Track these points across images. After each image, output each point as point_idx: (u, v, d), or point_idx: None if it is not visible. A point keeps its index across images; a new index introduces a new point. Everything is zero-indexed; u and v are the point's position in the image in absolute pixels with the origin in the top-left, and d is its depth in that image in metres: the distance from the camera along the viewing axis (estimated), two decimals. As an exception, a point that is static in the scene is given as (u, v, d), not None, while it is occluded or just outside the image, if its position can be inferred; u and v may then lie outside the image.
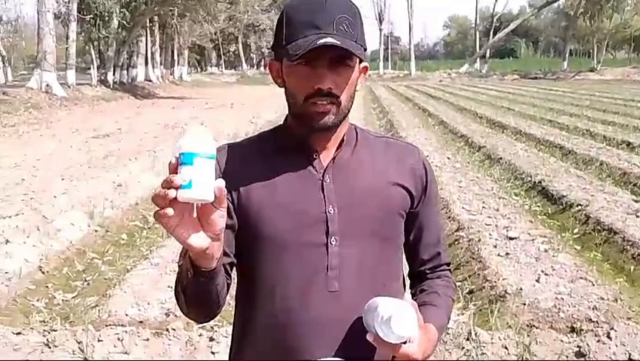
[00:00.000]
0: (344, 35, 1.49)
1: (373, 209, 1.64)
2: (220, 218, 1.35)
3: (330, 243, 1.59)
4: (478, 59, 71.12)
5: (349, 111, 1.62)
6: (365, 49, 1.58)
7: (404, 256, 1.80)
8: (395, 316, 1.38)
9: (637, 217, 7.24)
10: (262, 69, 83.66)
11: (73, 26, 29.13)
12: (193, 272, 1.44)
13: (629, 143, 13.24)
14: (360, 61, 1.61)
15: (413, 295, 1.79)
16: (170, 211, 1.29)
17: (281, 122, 1.74)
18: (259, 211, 1.61)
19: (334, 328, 1.58)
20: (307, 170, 1.63)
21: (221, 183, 1.33)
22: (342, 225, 1.60)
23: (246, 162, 1.67)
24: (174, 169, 1.30)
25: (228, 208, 1.52)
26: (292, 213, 1.60)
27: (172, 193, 1.28)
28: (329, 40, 1.46)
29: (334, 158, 1.64)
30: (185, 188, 1.28)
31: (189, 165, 1.28)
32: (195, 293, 1.52)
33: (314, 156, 1.64)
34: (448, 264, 1.87)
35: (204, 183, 1.30)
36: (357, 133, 1.73)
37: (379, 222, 1.64)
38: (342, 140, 1.66)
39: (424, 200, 1.75)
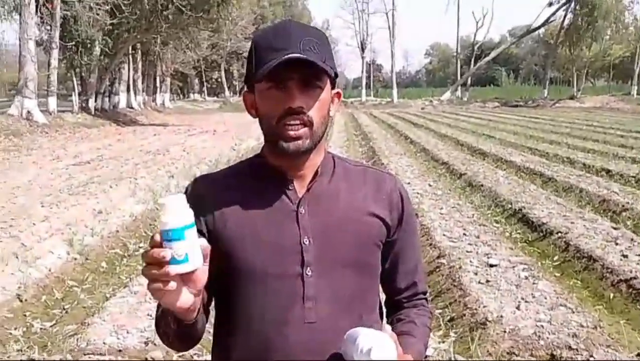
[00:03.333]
0: (310, 55, 1.51)
1: (349, 240, 1.64)
2: (203, 274, 1.39)
3: (306, 274, 1.59)
4: (459, 87, 71.70)
5: (322, 136, 1.62)
6: (335, 73, 1.60)
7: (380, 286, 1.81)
8: (375, 348, 1.37)
9: (617, 244, 7.28)
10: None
11: (55, 53, 29.05)
12: (177, 325, 1.49)
13: (608, 171, 13.35)
14: (333, 86, 1.63)
15: (390, 324, 1.78)
16: (174, 285, 1.34)
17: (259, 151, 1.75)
18: (235, 242, 1.61)
19: (310, 359, 1.58)
20: (283, 201, 1.64)
21: (206, 244, 1.38)
22: (317, 256, 1.60)
23: (221, 193, 1.67)
24: (158, 244, 1.32)
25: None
26: (267, 244, 1.60)
27: (172, 270, 1.31)
28: (295, 55, 1.48)
29: (309, 189, 1.65)
30: (183, 262, 1.32)
31: (181, 240, 1.31)
32: (179, 337, 1.58)
33: (290, 187, 1.64)
34: (425, 293, 1.87)
35: (196, 252, 1.34)
36: (334, 162, 1.73)
37: (355, 252, 1.65)
38: (317, 171, 1.66)
39: (401, 229, 1.75)
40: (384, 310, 1.84)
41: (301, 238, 1.61)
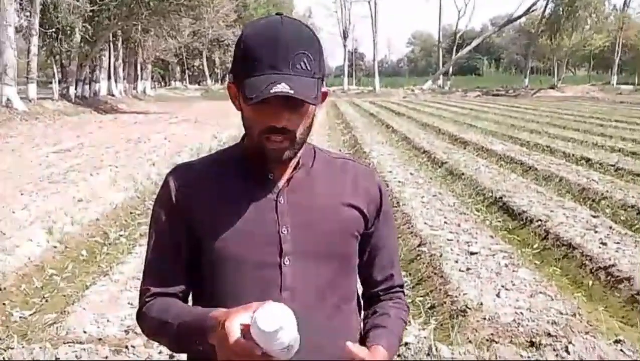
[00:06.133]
0: (301, 74, 1.49)
1: (326, 229, 1.65)
2: None
3: (284, 263, 1.60)
4: (441, 76, 71.80)
5: (305, 140, 1.63)
6: (323, 77, 1.58)
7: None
8: (259, 313, 1.34)
9: (596, 232, 7.35)
10: (226, 84, 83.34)
11: (35, 40, 28.77)
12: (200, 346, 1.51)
13: (588, 160, 13.45)
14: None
15: (365, 317, 1.81)
16: None
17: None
18: (213, 232, 1.62)
19: None
20: (262, 191, 1.65)
21: None
22: (295, 246, 1.61)
23: (201, 182, 1.68)
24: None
25: (181, 232, 1.64)
26: (245, 233, 1.61)
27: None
28: (282, 87, 1.45)
29: (289, 179, 1.66)
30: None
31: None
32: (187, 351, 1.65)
33: (270, 177, 1.65)
34: (401, 286, 1.89)
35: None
36: (315, 153, 1.74)
37: (332, 242, 1.66)
38: (299, 162, 1.67)
39: (378, 222, 1.77)
40: (362, 302, 1.85)
41: (279, 227, 1.61)
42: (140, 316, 1.72)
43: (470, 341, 4.66)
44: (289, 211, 1.63)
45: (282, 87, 1.45)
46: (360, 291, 1.84)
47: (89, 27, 32.09)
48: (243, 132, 1.69)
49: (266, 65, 1.49)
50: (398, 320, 1.80)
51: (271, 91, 1.45)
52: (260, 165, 1.64)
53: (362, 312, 1.82)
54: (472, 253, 6.64)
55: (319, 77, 1.54)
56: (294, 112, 1.53)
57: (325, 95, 1.67)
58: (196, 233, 1.64)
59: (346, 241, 1.70)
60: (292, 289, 1.60)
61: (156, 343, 4.65)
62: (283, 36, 1.50)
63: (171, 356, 4.47)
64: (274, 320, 1.32)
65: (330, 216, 1.66)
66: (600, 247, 6.78)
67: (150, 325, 1.68)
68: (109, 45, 41.01)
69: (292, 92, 1.45)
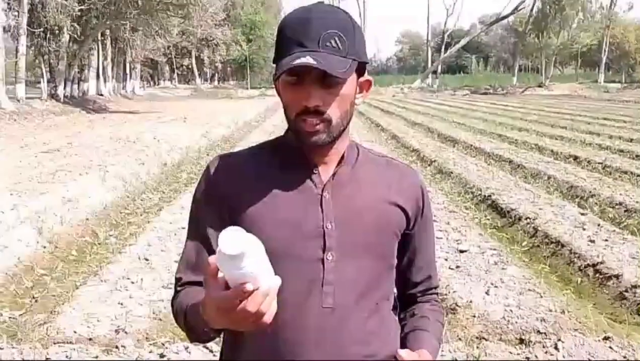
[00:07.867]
0: (330, 52, 1.48)
1: (370, 226, 1.63)
2: None
3: (327, 258, 1.58)
4: (430, 75, 71.92)
5: (344, 127, 1.61)
6: (364, 62, 1.57)
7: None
8: (222, 236, 1.29)
9: (584, 229, 7.38)
10: (215, 82, 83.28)
11: (23, 40, 28.62)
12: (210, 331, 1.49)
13: (576, 157, 13.51)
14: (360, 75, 1.61)
15: (403, 319, 1.80)
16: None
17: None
18: (256, 224, 1.57)
19: (326, 344, 1.57)
20: (307, 185, 1.62)
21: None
22: (339, 241, 1.59)
23: (242, 172, 1.66)
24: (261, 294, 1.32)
25: (217, 221, 1.60)
26: (289, 227, 1.58)
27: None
28: (305, 60, 1.44)
29: (334, 174, 1.64)
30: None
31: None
32: (204, 339, 1.61)
33: (314, 171, 1.63)
34: (437, 287, 1.89)
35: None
36: (358, 150, 1.73)
37: (375, 239, 1.64)
38: (343, 157, 1.66)
39: (420, 222, 1.75)
40: (397, 303, 1.83)
41: (324, 222, 1.59)
42: (172, 305, 1.70)
43: (460, 339, 4.69)
44: (334, 206, 1.61)
45: (305, 60, 1.44)
46: (395, 291, 1.82)
47: (77, 27, 31.96)
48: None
49: (295, 45, 1.49)
50: (437, 323, 1.81)
51: (293, 63, 1.44)
52: (303, 156, 1.63)
53: (398, 313, 1.81)
54: (461, 251, 6.67)
55: (352, 57, 1.52)
56: (328, 92, 1.52)
57: (369, 84, 1.67)
58: (235, 223, 1.52)
59: (388, 239, 1.68)
60: (335, 285, 1.58)
61: (147, 343, 4.67)
62: (313, 16, 1.51)
63: (161, 356, 4.47)
64: (237, 243, 1.27)
65: (374, 213, 1.65)
66: (588, 244, 6.82)
67: (175, 314, 1.66)
68: (98, 45, 40.84)
69: (314, 62, 1.44)
